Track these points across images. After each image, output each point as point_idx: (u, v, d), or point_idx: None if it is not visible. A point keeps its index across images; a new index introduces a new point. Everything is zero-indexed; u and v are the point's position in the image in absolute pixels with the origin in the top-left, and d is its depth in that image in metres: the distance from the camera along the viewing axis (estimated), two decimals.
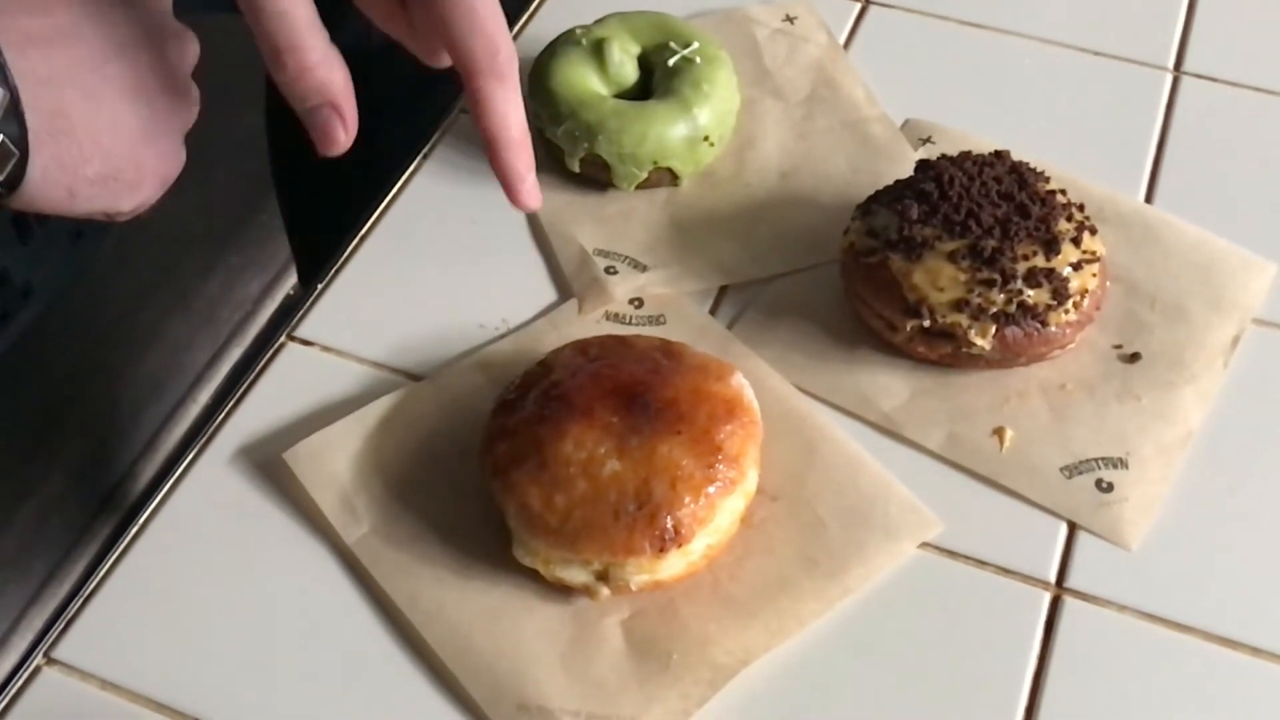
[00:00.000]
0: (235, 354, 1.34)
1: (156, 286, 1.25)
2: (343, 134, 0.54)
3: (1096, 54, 0.74)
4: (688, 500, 0.50)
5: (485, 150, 0.55)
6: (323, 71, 0.52)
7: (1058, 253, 0.56)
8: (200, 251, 1.29)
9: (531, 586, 0.52)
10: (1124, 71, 0.73)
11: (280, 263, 1.35)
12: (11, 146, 0.47)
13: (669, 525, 0.49)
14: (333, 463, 0.55)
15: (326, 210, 1.01)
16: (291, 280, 1.37)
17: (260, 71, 0.97)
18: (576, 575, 0.51)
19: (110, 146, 0.50)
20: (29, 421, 1.17)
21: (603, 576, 0.50)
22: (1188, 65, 0.73)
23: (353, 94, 0.54)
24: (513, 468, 0.51)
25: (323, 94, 0.53)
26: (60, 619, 0.52)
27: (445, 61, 0.56)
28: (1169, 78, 0.72)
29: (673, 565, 0.50)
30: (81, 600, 0.52)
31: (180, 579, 0.53)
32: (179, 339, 1.30)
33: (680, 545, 0.49)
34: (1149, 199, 0.66)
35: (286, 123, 0.99)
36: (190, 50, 0.54)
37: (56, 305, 1.06)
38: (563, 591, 0.51)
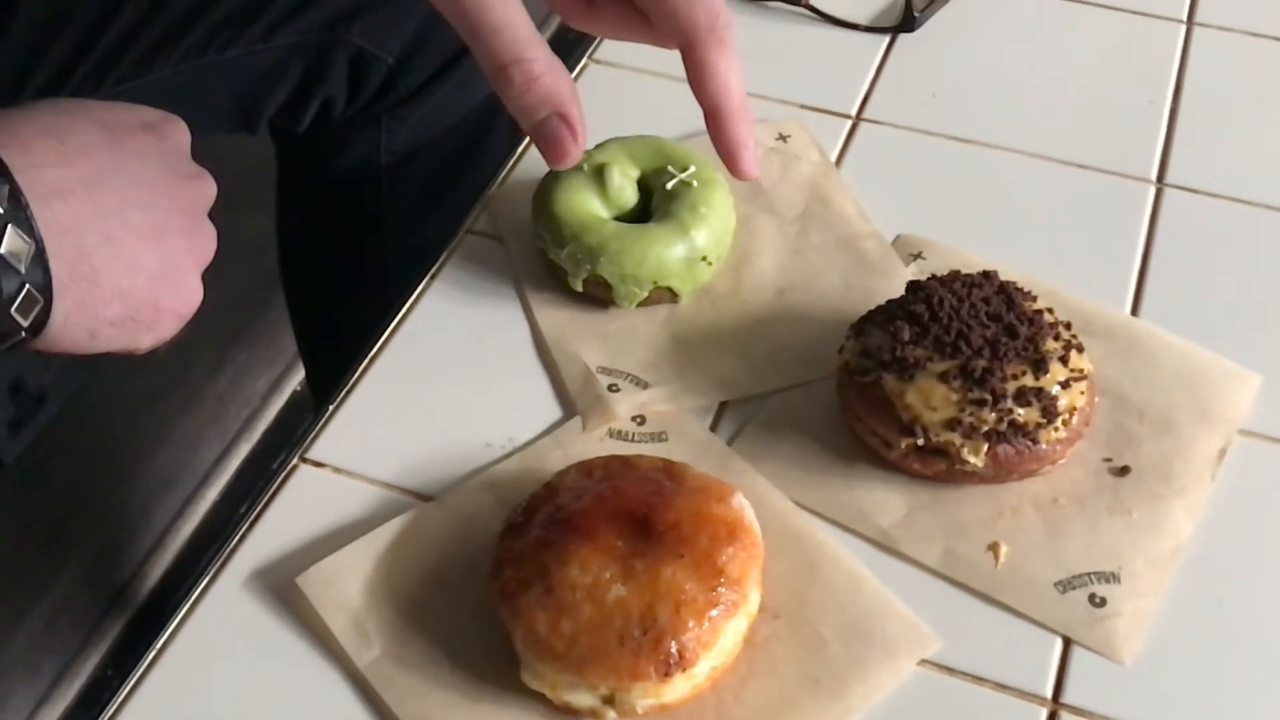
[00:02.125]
0: (244, 449, 1.35)
1: (166, 387, 1.27)
2: (573, 144, 0.53)
3: (1081, 167, 0.76)
4: (691, 624, 0.51)
5: (706, 120, 0.53)
6: (549, 80, 0.51)
7: (1046, 372, 0.58)
8: (209, 350, 1.31)
9: (539, 710, 0.53)
10: (1108, 184, 0.75)
11: (288, 358, 1.37)
12: (37, 294, 0.49)
13: (673, 650, 0.51)
14: (345, 586, 0.57)
15: (335, 315, 1.03)
16: (299, 375, 1.39)
17: (270, 177, 1.00)
18: (583, 699, 0.52)
19: (130, 289, 0.52)
20: (42, 521, 1.18)
21: (609, 700, 0.52)
22: (1170, 177, 0.75)
23: (579, 102, 0.52)
24: (520, 593, 0.53)
25: (551, 103, 0.51)
26: None
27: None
28: (1152, 189, 0.74)
29: (678, 688, 0.52)
30: None
31: (197, 704, 0.54)
32: (188, 436, 1.31)
33: (685, 669, 0.51)
34: (1135, 310, 0.68)
35: (296, 228, 1.02)
36: (207, 191, 0.56)
37: (69, 408, 1.08)
38: (570, 715, 0.52)
